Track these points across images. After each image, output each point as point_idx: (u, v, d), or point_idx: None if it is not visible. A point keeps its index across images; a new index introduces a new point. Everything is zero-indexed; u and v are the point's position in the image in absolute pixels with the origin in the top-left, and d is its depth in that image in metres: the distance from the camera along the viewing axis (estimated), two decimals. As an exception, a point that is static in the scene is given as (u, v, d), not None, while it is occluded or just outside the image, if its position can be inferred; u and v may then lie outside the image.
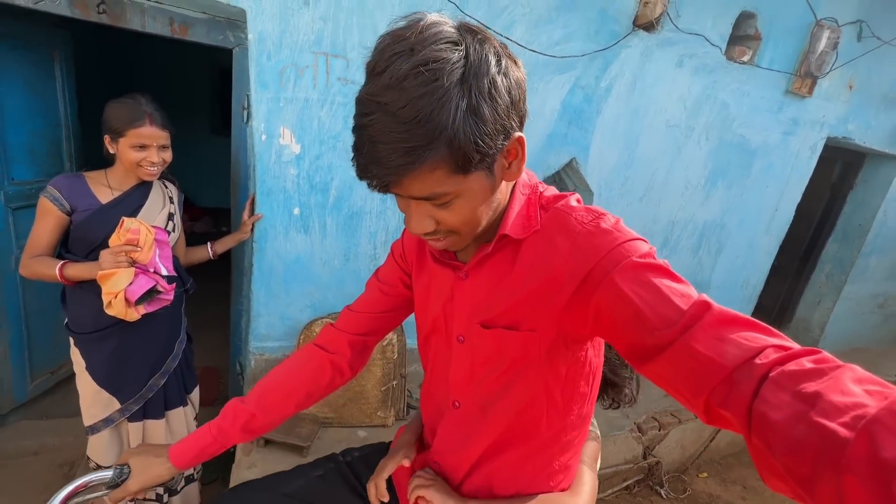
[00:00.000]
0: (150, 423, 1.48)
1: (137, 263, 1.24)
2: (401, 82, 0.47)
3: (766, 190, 2.83)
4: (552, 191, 0.69)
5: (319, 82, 1.66)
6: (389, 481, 0.86)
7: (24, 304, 1.96)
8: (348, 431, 1.88)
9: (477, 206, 0.58)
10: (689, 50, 2.22)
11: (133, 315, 1.27)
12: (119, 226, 1.24)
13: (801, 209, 3.03)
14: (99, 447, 1.44)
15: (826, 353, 0.42)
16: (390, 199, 1.92)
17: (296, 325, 1.95)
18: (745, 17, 2.31)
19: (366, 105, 0.49)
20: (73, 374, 1.44)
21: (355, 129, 0.52)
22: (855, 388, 0.37)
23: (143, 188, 1.38)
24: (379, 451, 0.94)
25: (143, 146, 1.28)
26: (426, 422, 0.87)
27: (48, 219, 1.27)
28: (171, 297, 1.34)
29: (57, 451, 1.90)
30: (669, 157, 2.44)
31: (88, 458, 1.49)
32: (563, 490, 0.79)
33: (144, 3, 1.58)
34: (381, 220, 1.93)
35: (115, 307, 1.23)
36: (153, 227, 1.28)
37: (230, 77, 1.75)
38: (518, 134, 0.56)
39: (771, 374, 0.41)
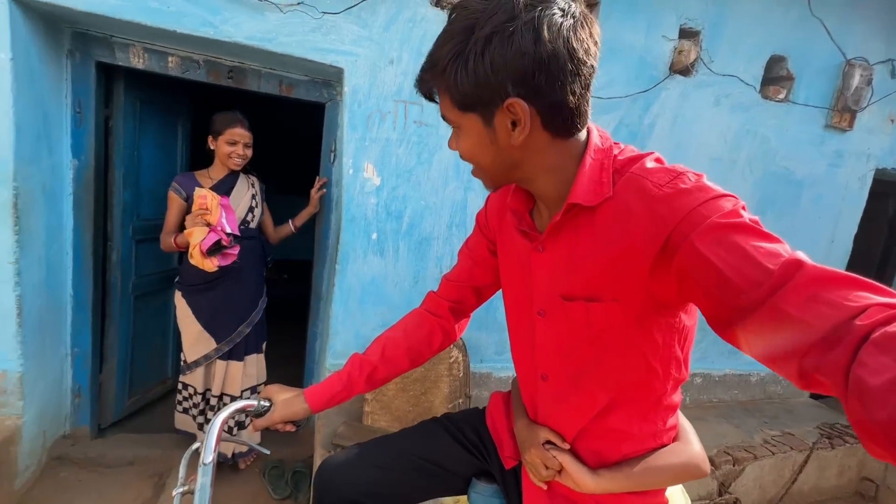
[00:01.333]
0: (232, 363, 1.94)
1: (210, 224, 1.67)
2: (447, 21, 0.60)
3: (819, 221, 2.84)
4: (629, 151, 0.66)
5: (398, 125, 1.94)
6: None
7: (134, 328, 2.22)
8: (417, 448, 1.93)
9: (473, 145, 0.63)
10: (724, 90, 2.41)
11: (208, 265, 1.68)
12: (196, 196, 1.69)
13: (860, 245, 2.98)
14: (193, 378, 1.93)
15: None
16: (455, 227, 2.12)
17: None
18: (775, 60, 2.50)
19: None
20: (161, 396, 2.12)
21: None
22: None
23: (232, 177, 1.89)
24: (475, 414, 1.00)
25: (234, 142, 1.80)
26: (523, 392, 0.87)
27: (173, 205, 1.82)
28: (235, 252, 1.74)
29: (150, 462, 2.04)
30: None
31: (185, 384, 1.96)
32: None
33: (262, 70, 1.96)
34: (447, 245, 2.12)
35: (195, 257, 1.67)
36: (222, 196, 1.74)
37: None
38: (513, 99, 0.56)
39: (873, 336, 0.37)
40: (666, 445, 0.77)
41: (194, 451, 0.78)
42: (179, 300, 1.91)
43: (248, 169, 1.97)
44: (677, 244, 0.54)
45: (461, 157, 0.67)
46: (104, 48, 1.80)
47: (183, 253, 1.81)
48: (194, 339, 1.90)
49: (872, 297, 0.41)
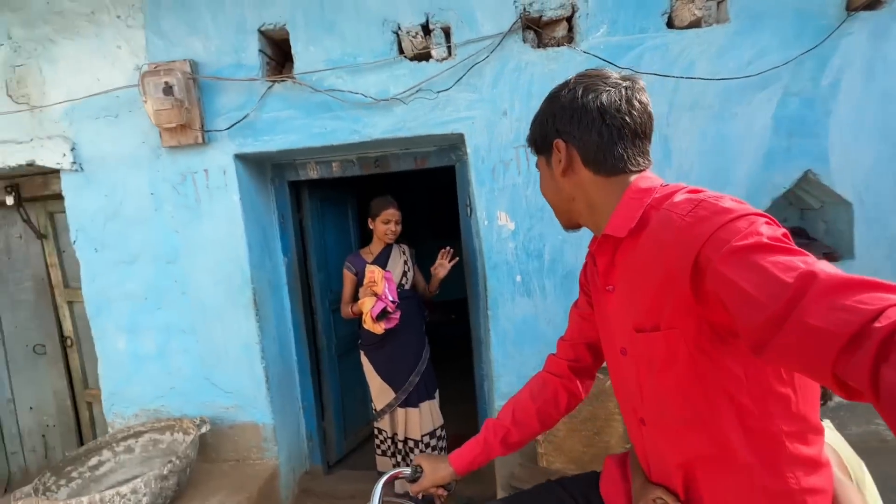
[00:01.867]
0: (410, 410, 2.23)
1: (377, 294, 2.05)
2: None
3: None
4: (670, 188, 0.70)
5: (522, 169, 2.01)
6: None
7: (341, 381, 2.72)
8: (600, 492, 1.83)
9: (543, 183, 0.84)
10: (946, 7, 1.79)
11: (377, 329, 2.07)
12: (367, 271, 2.09)
13: None
14: (384, 424, 2.26)
15: None
16: (600, 254, 2.03)
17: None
18: None
19: None
20: (369, 436, 2.44)
21: None
22: None
23: (387, 249, 2.27)
24: (590, 479, 0.97)
25: (388, 221, 2.17)
26: (633, 441, 0.86)
27: (347, 280, 2.25)
28: (397, 317, 2.10)
29: (367, 496, 2.42)
30: None
31: (379, 429, 2.30)
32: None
33: (399, 153, 2.28)
34: (594, 274, 2.04)
35: (367, 323, 2.07)
36: (384, 270, 2.12)
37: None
38: (556, 139, 0.77)
39: (895, 337, 0.38)
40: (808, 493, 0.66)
41: None
42: (363, 358, 2.30)
43: (399, 239, 2.31)
44: (704, 269, 0.56)
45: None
46: (291, 170, 2.37)
47: (360, 318, 2.19)
48: (378, 390, 2.25)
49: (888, 297, 0.41)
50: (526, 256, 2.05)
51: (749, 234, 0.53)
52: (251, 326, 2.19)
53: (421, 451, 2.24)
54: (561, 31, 1.98)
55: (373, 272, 2.07)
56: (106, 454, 2.13)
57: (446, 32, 1.99)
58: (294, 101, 2.05)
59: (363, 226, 3.40)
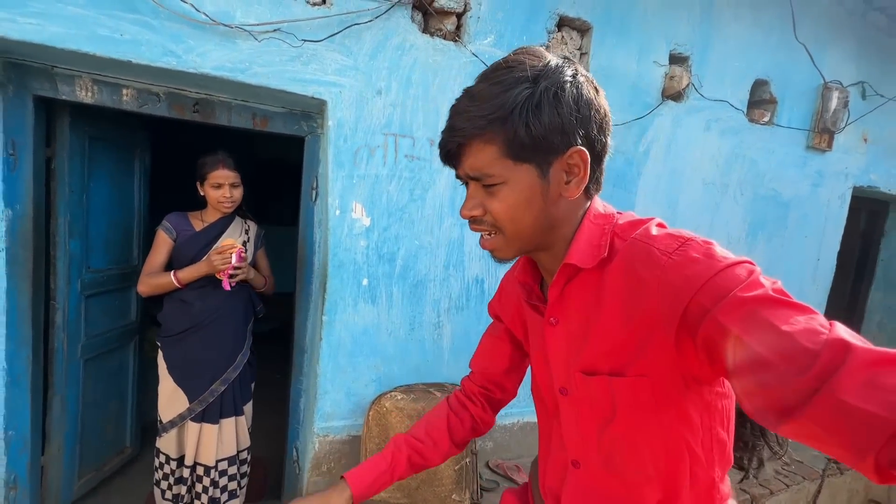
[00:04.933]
0: (206, 426, 1.72)
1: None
2: (487, 75, 0.59)
3: (805, 240, 2.85)
4: (629, 217, 0.65)
5: (389, 160, 1.77)
6: None
7: (83, 397, 1.91)
8: (423, 520, 1.72)
9: (521, 201, 0.60)
10: (714, 115, 2.38)
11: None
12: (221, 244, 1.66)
13: (837, 260, 3.02)
14: (168, 442, 1.74)
15: None
16: (453, 266, 1.96)
17: (361, 400, 1.87)
18: (759, 84, 2.51)
19: (461, 94, 0.61)
20: (119, 469, 2.01)
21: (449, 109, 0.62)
22: None
23: (224, 220, 1.77)
24: None
25: (219, 185, 1.67)
26: (549, 482, 0.79)
27: (162, 245, 1.69)
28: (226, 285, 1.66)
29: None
30: (710, 213, 2.51)
31: (159, 450, 1.76)
32: None
33: (232, 102, 1.76)
34: (444, 287, 1.94)
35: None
36: (241, 248, 1.67)
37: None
38: (578, 147, 0.58)
39: None
40: None
41: None
42: (159, 353, 1.73)
43: (245, 213, 1.85)
44: (698, 318, 0.51)
45: (495, 217, 0.61)
46: (44, 80, 1.55)
47: (165, 298, 1.72)
48: (168, 396, 1.73)
49: None
50: (377, 258, 1.82)
51: (752, 286, 0.48)
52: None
53: (212, 483, 1.72)
54: (450, 24, 1.84)
55: (234, 248, 1.62)
56: None
57: (324, -27, 1.62)
58: (69, -24, 1.34)
59: (163, 191, 2.62)
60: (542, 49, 0.61)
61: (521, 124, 0.56)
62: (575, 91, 0.57)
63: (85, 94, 1.59)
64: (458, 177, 0.65)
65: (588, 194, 0.65)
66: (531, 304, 0.74)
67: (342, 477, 0.78)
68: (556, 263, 0.67)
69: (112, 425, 2.15)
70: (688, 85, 2.24)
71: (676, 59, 2.25)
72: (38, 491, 1.76)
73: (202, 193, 1.72)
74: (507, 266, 0.80)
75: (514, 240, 0.63)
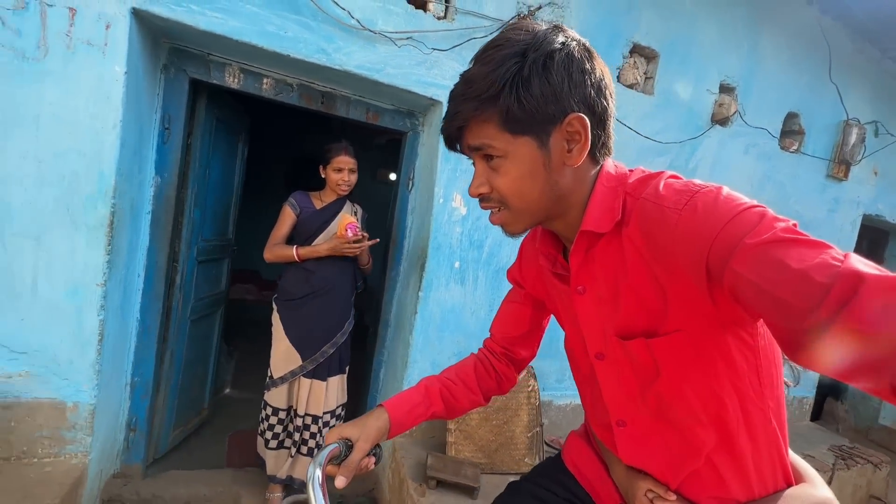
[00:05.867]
0: (315, 382, 1.91)
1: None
2: (478, 57, 0.60)
3: (820, 259, 3.16)
4: (639, 174, 0.63)
5: (486, 158, 2.01)
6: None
7: (185, 352, 2.08)
8: (499, 478, 1.92)
9: (524, 175, 0.60)
10: (752, 140, 2.67)
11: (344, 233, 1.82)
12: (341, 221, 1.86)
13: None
14: (277, 396, 1.91)
15: None
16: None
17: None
18: (791, 116, 2.82)
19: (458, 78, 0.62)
20: (197, 428, 2.19)
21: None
22: None
23: (339, 202, 1.96)
24: (554, 467, 0.91)
25: (340, 169, 1.87)
26: (601, 438, 0.80)
27: (286, 218, 1.89)
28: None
29: (207, 501, 1.89)
30: (742, 228, 2.79)
31: (266, 402, 1.93)
32: (790, 484, 0.70)
33: (351, 97, 1.98)
34: (520, 274, 2.17)
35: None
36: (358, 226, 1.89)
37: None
38: (577, 114, 0.57)
39: None
40: (782, 489, 0.68)
41: None
42: (274, 315, 1.92)
43: (354, 197, 2.02)
44: (720, 270, 0.50)
45: (501, 192, 0.62)
46: (200, 66, 1.76)
47: (284, 267, 1.91)
48: (282, 354, 1.89)
49: None
50: (469, 244, 2.04)
51: (762, 230, 0.47)
52: (95, 259, 1.49)
53: (319, 431, 1.91)
54: (542, 44, 2.10)
55: (348, 221, 1.83)
56: None
57: (449, -9, 1.86)
58: (251, -21, 1.56)
59: (255, 175, 2.79)
60: (531, 22, 0.61)
61: (512, 99, 0.56)
62: (565, 57, 0.57)
63: (233, 81, 1.80)
64: (463, 153, 0.65)
65: (595, 159, 0.64)
66: (556, 273, 0.72)
67: (380, 405, 0.79)
68: (574, 231, 0.65)
69: (197, 386, 2.31)
70: (734, 112, 2.53)
71: (725, 89, 2.54)
72: (148, 436, 1.92)
73: (323, 175, 1.93)
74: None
75: (522, 213, 0.63)
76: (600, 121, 0.61)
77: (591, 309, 0.67)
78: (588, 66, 0.59)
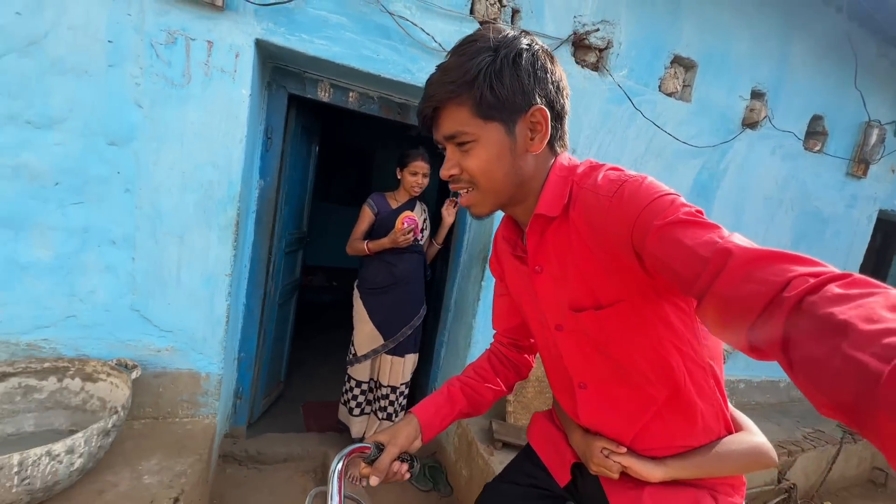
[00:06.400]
0: (395, 358, 2.22)
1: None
2: (455, 49, 0.68)
3: (836, 252, 3.38)
4: (586, 165, 0.72)
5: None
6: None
7: (273, 332, 2.38)
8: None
9: (493, 158, 0.67)
10: (779, 142, 2.88)
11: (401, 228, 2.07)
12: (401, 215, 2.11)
13: (858, 271, 3.56)
14: (361, 370, 2.21)
15: (858, 276, 0.40)
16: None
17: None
18: (815, 118, 3.01)
19: (434, 69, 0.70)
20: (276, 399, 2.52)
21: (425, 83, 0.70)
22: (888, 314, 0.35)
23: (411, 202, 2.23)
24: (525, 457, 0.99)
25: (415, 173, 2.14)
26: (563, 405, 0.90)
27: (365, 216, 2.18)
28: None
29: (301, 459, 2.21)
30: (766, 224, 3.02)
31: (350, 376, 2.24)
32: (731, 433, 0.80)
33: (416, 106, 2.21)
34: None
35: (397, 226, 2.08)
36: (414, 220, 2.13)
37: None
38: (540, 105, 0.66)
39: (801, 306, 0.40)
40: (722, 437, 0.78)
41: (317, 494, 0.72)
42: (357, 301, 2.19)
43: (422, 197, 2.28)
44: (641, 247, 0.58)
45: (471, 173, 0.69)
46: (297, 82, 2.00)
47: (363, 259, 2.20)
48: (366, 335, 2.19)
49: (794, 268, 0.43)
50: (525, 240, 2.30)
51: (668, 213, 0.56)
52: (225, 254, 1.76)
53: (396, 399, 2.22)
54: (592, 57, 2.31)
55: (404, 216, 2.06)
56: (-57, 405, 1.38)
57: (514, 13, 2.07)
58: (349, 8, 1.78)
59: (323, 176, 3.02)
60: (501, 25, 0.70)
61: (486, 86, 0.64)
62: (531, 57, 0.66)
63: (324, 95, 2.04)
64: (436, 142, 0.72)
65: (553, 150, 0.72)
66: (517, 255, 0.80)
67: (409, 411, 0.84)
68: (528, 217, 0.74)
69: (278, 361, 2.61)
70: (764, 117, 2.73)
71: (756, 95, 2.74)
72: (249, 403, 2.23)
73: (399, 177, 2.19)
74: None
75: (489, 193, 0.70)
76: (558, 115, 0.70)
77: (548, 286, 0.75)
78: (550, 67, 0.68)
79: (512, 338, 0.98)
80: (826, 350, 0.36)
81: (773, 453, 0.79)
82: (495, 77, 0.64)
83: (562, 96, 0.70)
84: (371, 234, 2.19)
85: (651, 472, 0.75)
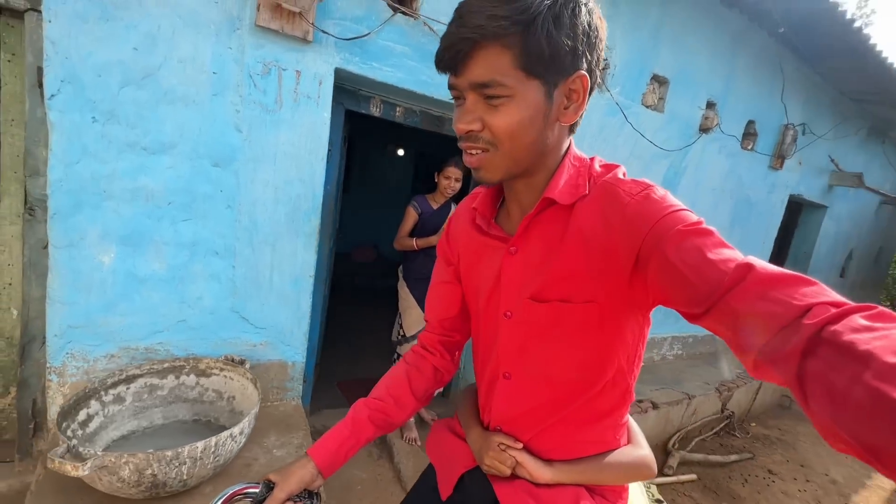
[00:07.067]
0: None
1: None
2: None
3: (757, 230, 4.21)
4: (600, 161, 0.68)
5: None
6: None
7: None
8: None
9: (525, 119, 0.58)
10: (724, 144, 3.54)
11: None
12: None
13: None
14: (409, 349, 2.57)
15: (885, 309, 0.38)
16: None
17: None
18: (750, 122, 3.71)
19: None
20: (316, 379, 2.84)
21: (455, 10, 0.56)
22: None
23: (447, 204, 2.57)
24: (428, 477, 0.92)
25: (449, 177, 2.47)
26: (480, 394, 0.86)
27: (410, 216, 2.51)
28: None
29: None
30: (711, 211, 3.71)
31: (399, 354, 2.58)
32: (623, 444, 0.80)
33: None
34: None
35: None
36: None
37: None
38: (583, 72, 0.58)
39: (822, 334, 0.38)
40: (615, 448, 0.78)
41: None
42: (403, 289, 2.54)
43: (457, 199, 2.59)
44: (650, 252, 0.56)
45: (495, 132, 0.59)
46: (353, 99, 2.21)
47: (409, 253, 2.49)
48: (414, 318, 2.52)
49: (816, 295, 0.42)
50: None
51: (692, 224, 0.55)
52: (309, 257, 2.01)
53: None
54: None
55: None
56: (94, 406, 1.55)
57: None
58: (411, 40, 2.03)
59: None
60: None
61: (542, 33, 0.54)
62: (588, 15, 0.57)
63: (376, 110, 2.28)
64: (451, 86, 0.61)
65: (572, 130, 0.67)
66: (488, 233, 0.74)
67: (306, 452, 0.75)
68: (530, 194, 0.68)
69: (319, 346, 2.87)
70: (716, 124, 3.35)
71: (710, 105, 3.34)
72: (311, 387, 2.51)
73: (436, 180, 2.52)
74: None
75: (508, 158, 0.61)
76: (591, 90, 0.61)
77: (516, 270, 0.70)
78: (602, 33, 0.60)
79: (445, 332, 0.90)
80: (846, 380, 0.35)
81: (654, 466, 0.80)
82: (554, 25, 0.54)
83: (599, 70, 0.63)
84: (414, 231, 2.50)
85: (541, 472, 0.74)
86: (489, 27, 0.53)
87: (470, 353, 2.90)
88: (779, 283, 0.45)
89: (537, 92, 0.57)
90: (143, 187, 1.63)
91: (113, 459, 1.22)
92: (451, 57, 0.57)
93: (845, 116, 4.46)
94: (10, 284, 1.69)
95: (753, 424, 3.65)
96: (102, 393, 1.58)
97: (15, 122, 1.60)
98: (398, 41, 2.00)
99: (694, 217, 0.56)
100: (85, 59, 1.47)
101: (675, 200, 0.59)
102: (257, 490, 0.70)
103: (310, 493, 0.72)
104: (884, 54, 3.31)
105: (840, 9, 2.85)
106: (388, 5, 1.93)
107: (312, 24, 1.76)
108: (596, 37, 0.59)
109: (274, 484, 0.70)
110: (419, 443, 2.50)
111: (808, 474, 2.98)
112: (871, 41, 3.15)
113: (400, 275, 2.57)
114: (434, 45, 2.07)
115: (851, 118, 4.56)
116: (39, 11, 1.48)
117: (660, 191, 0.60)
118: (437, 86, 2.14)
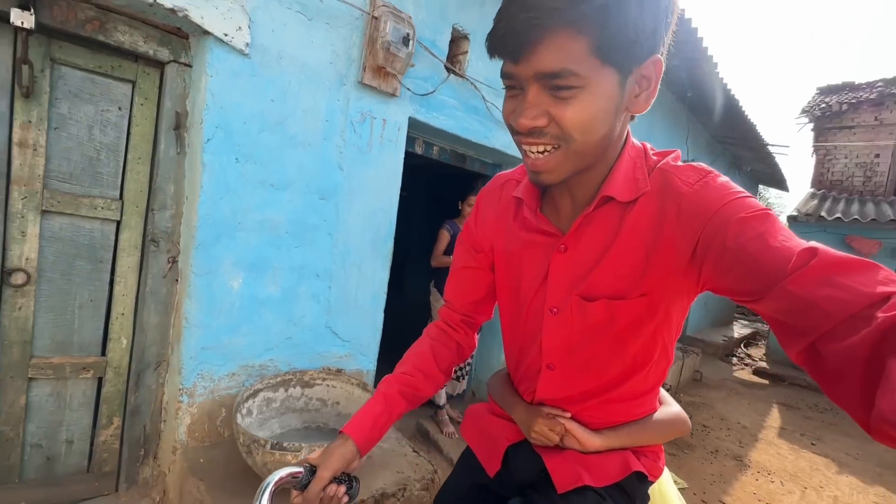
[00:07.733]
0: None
1: None
2: None
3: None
4: (651, 148, 0.66)
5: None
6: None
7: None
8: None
9: (599, 112, 0.53)
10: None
11: None
12: None
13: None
14: None
15: None
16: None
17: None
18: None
19: None
20: None
21: None
22: None
23: None
24: (466, 461, 0.91)
25: (471, 205, 2.90)
26: (521, 383, 0.84)
27: (443, 238, 2.94)
28: None
29: (400, 430, 2.82)
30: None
31: None
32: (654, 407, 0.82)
33: (476, 157, 3.03)
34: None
35: None
36: None
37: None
38: (659, 57, 0.54)
39: None
40: (654, 410, 0.80)
41: None
42: (438, 301, 2.91)
43: None
44: (709, 242, 0.53)
45: (566, 127, 0.53)
46: (408, 142, 2.59)
47: (441, 269, 2.91)
48: None
49: (890, 284, 0.39)
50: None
51: (756, 210, 0.52)
52: (385, 276, 2.31)
53: (464, 365, 3.01)
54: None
55: None
56: (238, 419, 1.70)
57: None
58: (460, 95, 2.49)
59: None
60: None
61: (622, 16, 0.48)
62: (671, 2, 0.53)
63: (419, 149, 2.68)
64: (508, 74, 0.55)
65: (632, 118, 0.61)
66: (536, 228, 0.71)
67: (340, 431, 0.73)
68: (585, 189, 0.65)
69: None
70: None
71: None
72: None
73: (460, 207, 2.97)
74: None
75: (577, 155, 0.56)
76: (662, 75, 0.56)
77: (566, 267, 0.68)
78: (678, 11, 0.56)
79: (468, 313, 0.89)
80: None
81: (689, 421, 0.83)
82: (636, 5, 0.49)
83: (668, 53, 0.57)
84: (448, 249, 2.92)
85: (590, 439, 0.74)
86: (567, 10, 0.48)
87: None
88: (846, 269, 0.43)
89: (611, 81, 0.52)
90: (268, 219, 1.84)
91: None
92: (515, 43, 0.51)
93: (716, 155, 5.91)
94: (123, 314, 1.75)
95: (681, 395, 4.63)
96: (242, 407, 1.74)
97: (141, 160, 1.72)
98: (450, 95, 2.45)
99: (757, 203, 0.53)
100: (236, 108, 1.68)
101: (735, 187, 0.56)
102: (301, 475, 0.69)
103: (348, 477, 0.72)
104: (741, 104, 4.62)
105: (716, 69, 3.98)
106: (445, 67, 2.38)
107: (401, 82, 2.14)
108: (672, 18, 0.55)
109: (316, 467, 0.70)
110: (457, 436, 2.86)
111: (728, 424, 3.95)
112: (732, 91, 4.39)
113: (432, 288, 2.95)
114: (476, 101, 2.56)
115: (719, 156, 6.04)
116: (181, 63, 1.67)
117: (718, 177, 0.57)
118: (474, 132, 2.63)
